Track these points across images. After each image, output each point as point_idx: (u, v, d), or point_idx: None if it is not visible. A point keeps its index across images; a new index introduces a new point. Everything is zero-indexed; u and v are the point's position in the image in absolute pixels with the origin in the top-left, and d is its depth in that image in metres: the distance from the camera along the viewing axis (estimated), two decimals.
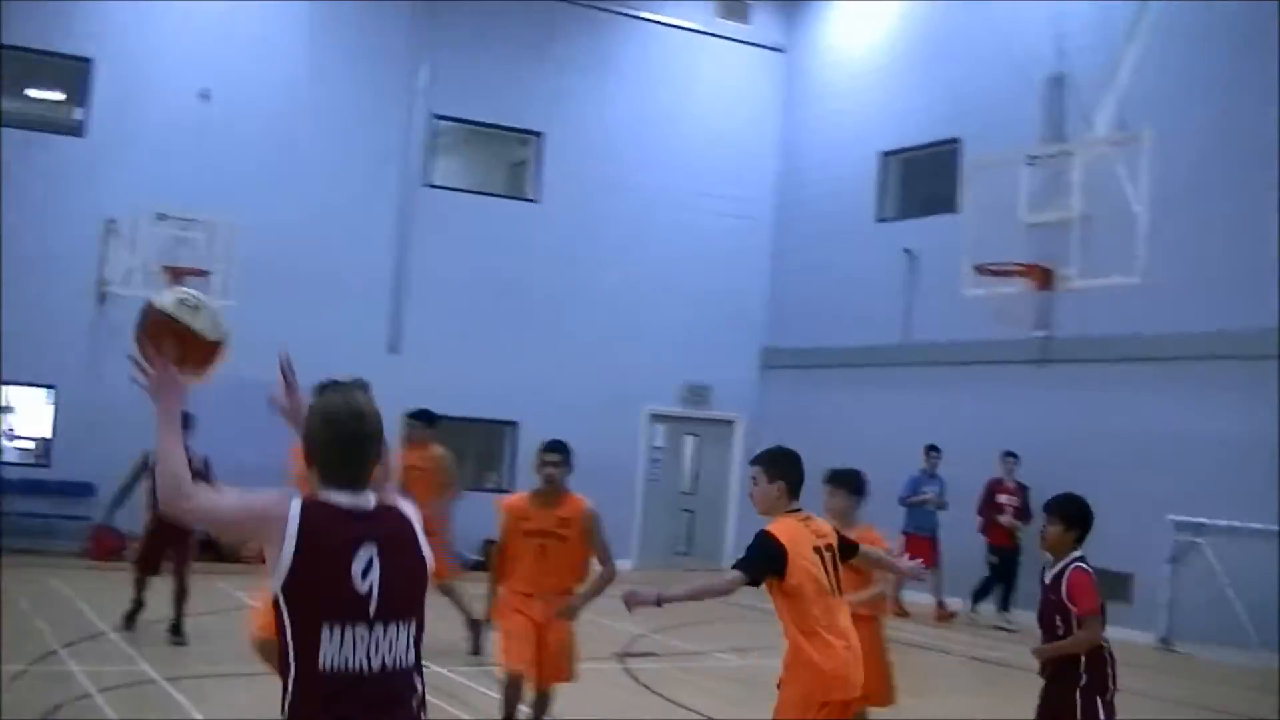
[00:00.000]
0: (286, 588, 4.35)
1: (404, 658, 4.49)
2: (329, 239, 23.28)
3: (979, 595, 20.69)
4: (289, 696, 4.38)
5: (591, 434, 20.97)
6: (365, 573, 4.41)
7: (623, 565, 20.45)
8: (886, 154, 25.41)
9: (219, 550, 19.78)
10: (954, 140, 23.37)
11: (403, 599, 4.51)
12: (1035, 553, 18.45)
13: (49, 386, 22.30)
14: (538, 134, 25.78)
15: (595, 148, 25.91)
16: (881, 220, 25.36)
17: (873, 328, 24.25)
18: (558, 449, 9.95)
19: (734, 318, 26.70)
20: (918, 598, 21.14)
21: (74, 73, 22.70)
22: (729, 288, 26.64)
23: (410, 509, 4.69)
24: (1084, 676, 7.92)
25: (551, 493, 9.87)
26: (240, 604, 15.43)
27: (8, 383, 21.91)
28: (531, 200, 25.80)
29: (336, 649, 4.34)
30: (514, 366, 24.03)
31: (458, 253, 24.42)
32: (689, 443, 26.89)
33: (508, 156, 27.19)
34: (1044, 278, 18.23)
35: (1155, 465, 18.89)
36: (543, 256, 25.15)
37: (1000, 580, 20.56)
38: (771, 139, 27.61)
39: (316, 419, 4.66)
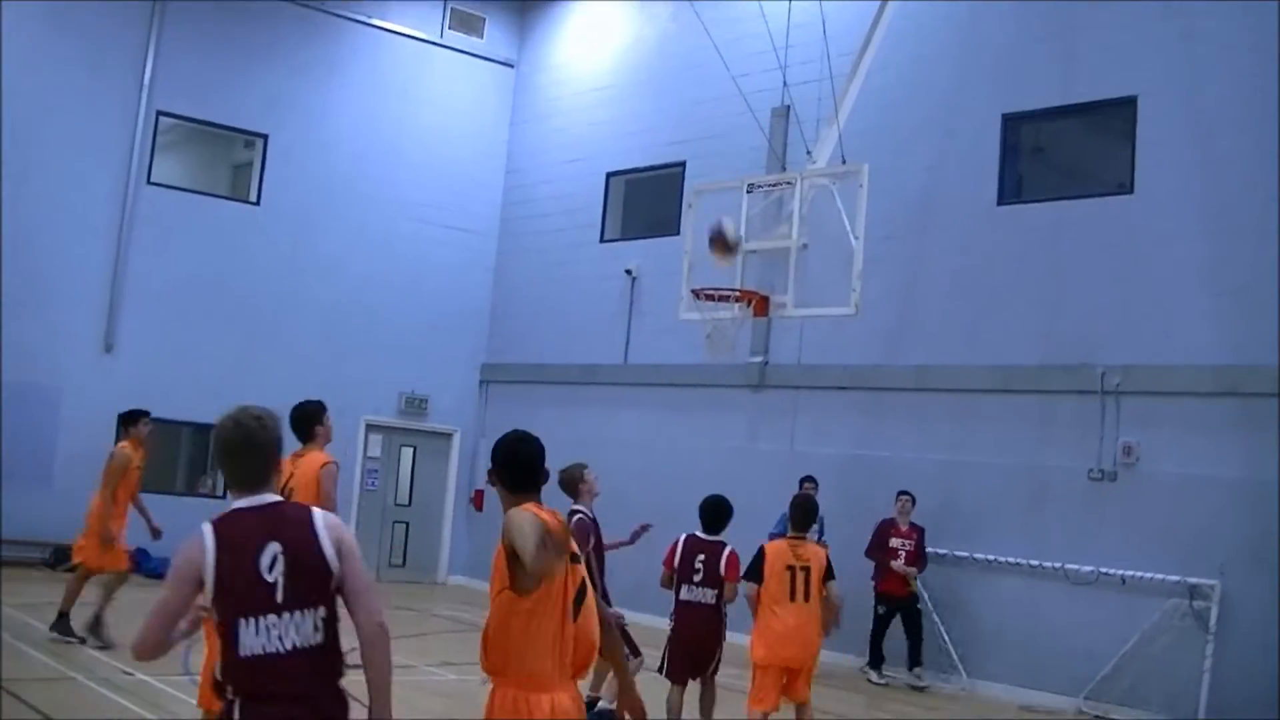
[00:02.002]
0: (214, 595, 5.12)
1: (311, 639, 5.19)
2: (44, 233, 22.59)
3: (875, 652, 18.69)
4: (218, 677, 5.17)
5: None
6: (271, 566, 5.16)
7: None
8: (612, 174, 25.61)
9: None
10: (679, 164, 23.72)
11: (307, 588, 5.22)
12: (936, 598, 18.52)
13: None
14: (262, 136, 25.39)
15: (320, 153, 25.64)
16: (606, 240, 25.52)
17: (594, 346, 24.47)
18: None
19: (455, 331, 26.68)
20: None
21: None
22: (451, 300, 26.63)
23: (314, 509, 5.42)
24: None
25: None
26: None
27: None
28: (253, 203, 25.37)
29: (252, 637, 5.10)
30: (232, 370, 23.60)
31: (178, 253, 23.94)
32: (406, 454, 26.76)
33: (231, 158, 26.74)
34: (761, 304, 18.60)
35: (865, 490, 19.37)
36: (264, 260, 24.81)
37: (884, 632, 18.67)
38: (499, 154, 27.71)
39: (217, 434, 5.49)
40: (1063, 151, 20.12)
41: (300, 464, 10.64)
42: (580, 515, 12.53)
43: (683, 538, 12.67)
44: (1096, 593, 17.13)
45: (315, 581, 5.24)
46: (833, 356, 20.46)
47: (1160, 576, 16.55)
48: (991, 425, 18.83)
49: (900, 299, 19.78)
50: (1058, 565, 17.55)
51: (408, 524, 26.65)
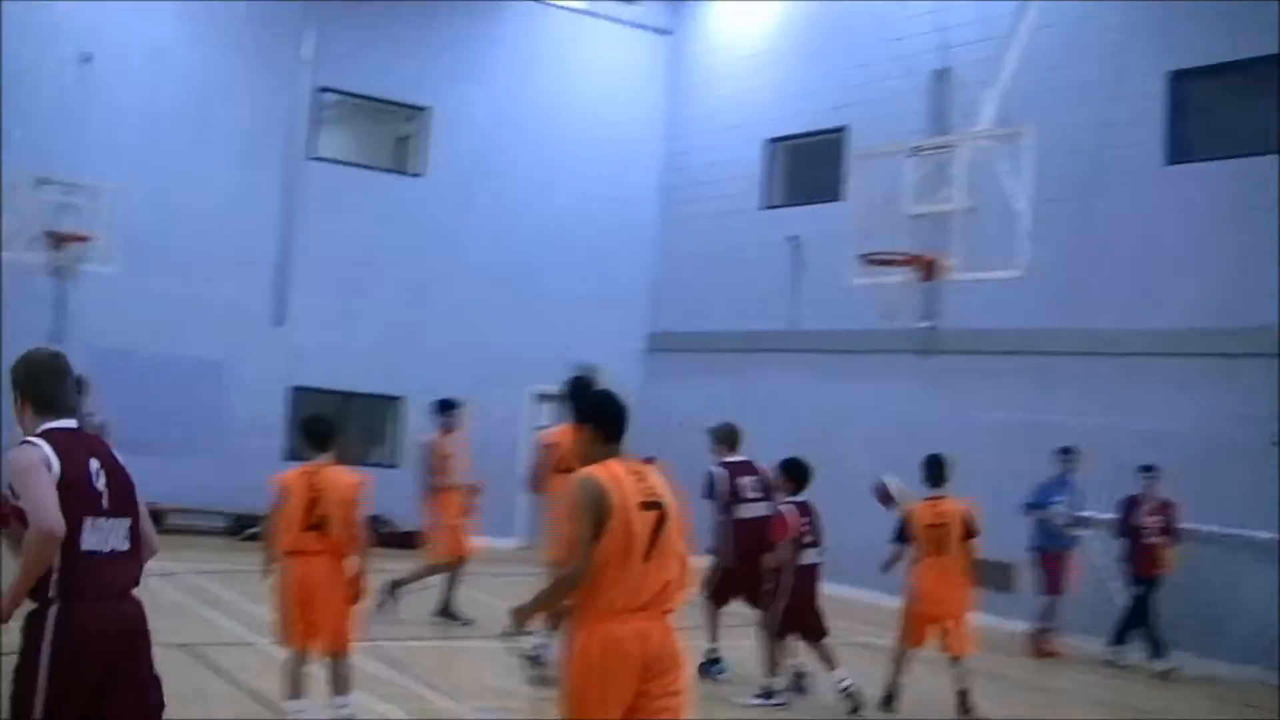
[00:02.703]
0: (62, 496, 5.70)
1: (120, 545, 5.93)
2: (213, 209, 23.13)
3: (1122, 634, 17.75)
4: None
5: (477, 411, 21.09)
6: (97, 477, 5.91)
7: (508, 544, 20.68)
8: (773, 141, 25.52)
9: None
10: (840, 129, 23.58)
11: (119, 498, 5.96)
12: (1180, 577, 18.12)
13: None
14: (424, 109, 25.67)
15: (480, 125, 25.87)
16: (768, 207, 25.44)
17: (759, 313, 24.41)
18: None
19: (619, 300, 26.76)
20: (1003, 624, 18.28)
21: None
22: (615, 270, 26.73)
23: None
24: None
25: None
26: None
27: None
28: (417, 175, 25.67)
29: (89, 535, 5.80)
30: (400, 341, 23.96)
31: (344, 226, 24.35)
32: None
33: (393, 131, 27.03)
34: (928, 268, 18.46)
35: (1033, 456, 19.09)
36: (428, 232, 25.12)
37: (1141, 616, 17.60)
38: (658, 122, 27.71)
39: (25, 371, 6.14)
40: (1233, 108, 19.69)
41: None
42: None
43: (796, 505, 12.80)
44: (1275, 560, 16.76)
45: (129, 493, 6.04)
46: (1001, 320, 20.22)
47: None
48: (1164, 389, 18.51)
49: (1069, 261, 19.48)
50: (1236, 532, 17.21)
51: None
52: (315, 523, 9.67)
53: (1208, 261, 18.36)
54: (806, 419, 22.25)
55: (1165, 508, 17.53)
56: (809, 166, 25.21)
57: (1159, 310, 18.71)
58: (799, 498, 12.95)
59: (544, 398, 26.11)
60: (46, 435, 5.89)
